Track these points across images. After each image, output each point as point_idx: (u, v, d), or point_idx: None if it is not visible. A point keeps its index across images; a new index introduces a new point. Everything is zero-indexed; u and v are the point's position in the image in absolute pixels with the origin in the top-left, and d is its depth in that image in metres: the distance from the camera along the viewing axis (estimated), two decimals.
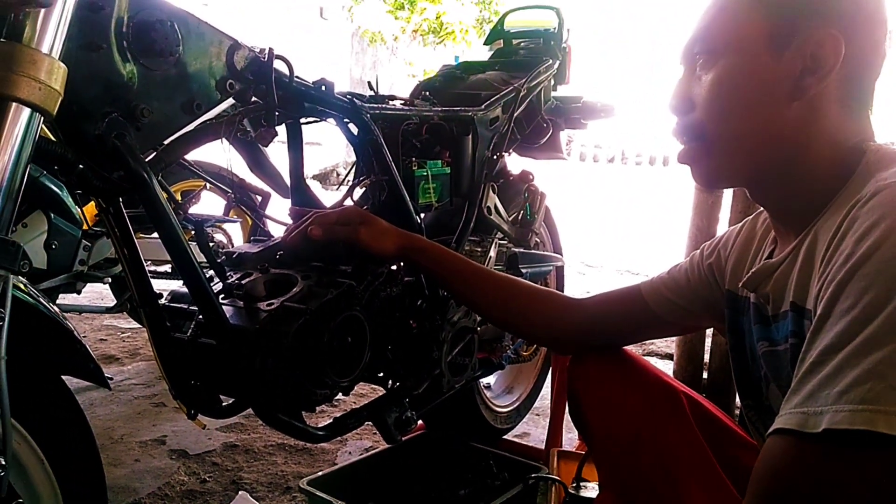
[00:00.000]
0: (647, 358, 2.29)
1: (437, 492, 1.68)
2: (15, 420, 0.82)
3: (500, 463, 1.69)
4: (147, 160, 1.01)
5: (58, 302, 2.31)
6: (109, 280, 2.31)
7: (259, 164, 1.48)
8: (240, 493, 1.63)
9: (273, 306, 1.16)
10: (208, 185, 2.81)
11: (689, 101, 0.83)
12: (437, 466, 1.74)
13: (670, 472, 1.02)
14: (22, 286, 0.84)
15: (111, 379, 2.38)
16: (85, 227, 2.25)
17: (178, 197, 2.64)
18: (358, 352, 1.23)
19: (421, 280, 1.38)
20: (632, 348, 1.18)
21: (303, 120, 1.32)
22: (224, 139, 1.13)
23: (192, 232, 1.29)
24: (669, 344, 3.01)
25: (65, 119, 0.90)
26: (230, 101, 1.10)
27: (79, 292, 2.29)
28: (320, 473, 1.54)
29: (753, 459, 0.80)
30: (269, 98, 1.12)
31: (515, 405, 2.01)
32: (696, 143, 0.84)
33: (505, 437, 1.99)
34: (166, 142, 1.06)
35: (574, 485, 1.46)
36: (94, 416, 2.11)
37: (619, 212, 8.13)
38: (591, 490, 1.43)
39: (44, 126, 0.83)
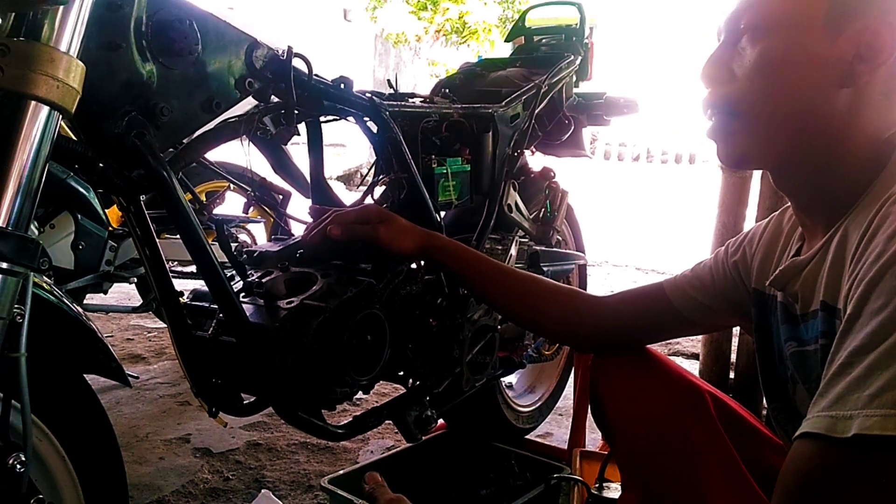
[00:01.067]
0: (672, 358, 2.26)
1: (458, 491, 1.67)
2: (36, 417, 0.83)
3: (522, 463, 1.68)
4: (167, 159, 1.02)
5: (85, 302, 2.34)
6: (135, 280, 2.34)
7: (282, 164, 1.48)
8: (262, 491, 1.63)
9: (293, 304, 1.17)
10: (232, 185, 2.84)
11: (728, 71, 0.79)
12: (459, 466, 1.74)
13: (694, 472, 1.00)
14: (44, 285, 0.85)
15: (137, 378, 2.41)
16: (111, 228, 2.28)
17: (203, 198, 2.66)
18: (378, 350, 1.22)
19: (441, 278, 1.37)
20: (657, 348, 1.16)
21: (322, 119, 1.32)
22: (244, 137, 1.14)
23: (215, 232, 1.31)
24: (695, 343, 2.97)
25: (84, 118, 0.91)
26: (249, 99, 1.11)
27: (105, 292, 2.32)
28: (341, 472, 1.54)
29: (780, 461, 0.79)
30: (287, 96, 1.12)
31: (538, 405, 2.00)
32: (729, 118, 0.80)
33: (527, 436, 1.97)
34: (186, 140, 1.07)
35: (597, 485, 1.44)
36: (120, 414, 2.14)
37: (644, 210, 8.04)
38: (613, 491, 1.41)
39: (64, 125, 0.84)
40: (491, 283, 1.19)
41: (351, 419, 1.26)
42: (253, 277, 1.28)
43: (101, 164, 0.91)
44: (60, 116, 0.77)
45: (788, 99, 0.75)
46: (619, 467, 1.14)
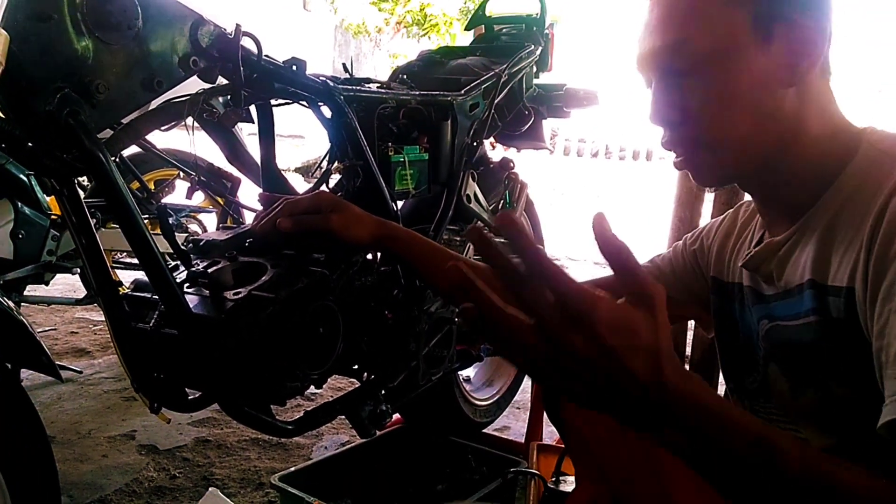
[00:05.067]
0: None
1: (414, 487, 1.64)
2: None
3: (479, 457, 1.65)
4: (104, 140, 0.96)
5: (26, 293, 2.24)
6: (78, 270, 2.24)
7: (234, 150, 1.43)
8: (210, 489, 1.57)
9: (240, 295, 1.11)
10: (181, 174, 2.75)
11: (679, 112, 0.77)
12: (415, 461, 1.71)
13: (653, 463, 0.99)
14: None
15: (80, 373, 2.31)
16: (53, 216, 2.18)
17: (152, 186, 2.57)
18: (330, 343, 1.18)
19: (397, 269, 1.33)
20: None
21: (273, 102, 1.27)
22: (188, 120, 1.08)
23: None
24: None
25: (11, 93, 0.85)
26: (194, 79, 1.05)
27: (47, 283, 2.22)
28: (293, 469, 1.49)
29: None
30: (235, 77, 1.06)
31: (495, 398, 1.97)
32: (694, 152, 0.80)
33: (485, 430, 1.95)
34: (125, 120, 1.01)
35: (553, 479, 1.43)
36: (62, 410, 2.05)
37: (602, 205, 8.10)
38: (570, 484, 1.40)
39: None
40: (434, 269, 1.15)
41: (302, 414, 1.22)
42: (198, 267, 1.22)
43: (29, 144, 0.85)
44: None
45: (746, 119, 0.75)
46: (572, 460, 1.13)
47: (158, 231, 2.51)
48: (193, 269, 1.20)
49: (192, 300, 1.12)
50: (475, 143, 1.59)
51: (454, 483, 1.59)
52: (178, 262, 1.20)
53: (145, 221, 1.07)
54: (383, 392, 1.31)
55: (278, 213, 1.14)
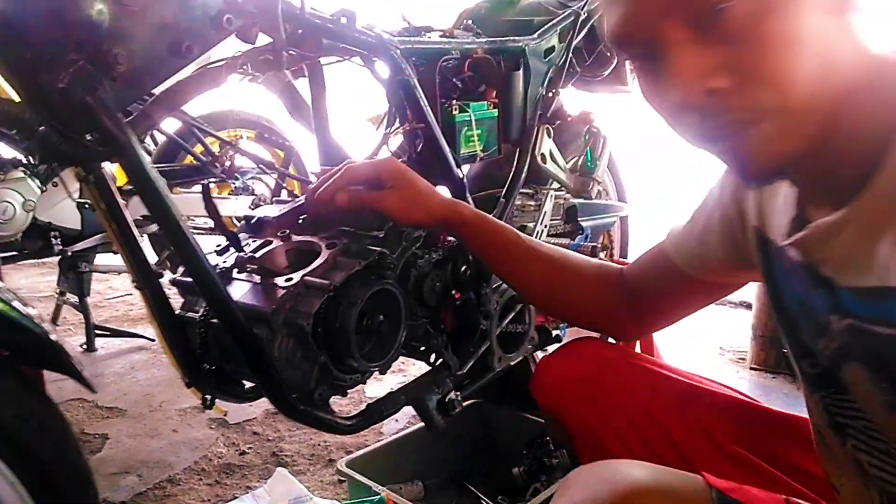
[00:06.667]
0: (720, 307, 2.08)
1: (489, 469, 1.54)
2: None
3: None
4: (130, 118, 0.85)
5: (95, 263, 2.23)
6: (145, 237, 2.21)
7: (297, 106, 1.31)
8: (278, 469, 1.52)
9: (292, 282, 1.01)
10: (244, 135, 2.67)
11: (728, 74, 0.55)
12: (489, 441, 1.60)
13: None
14: None
15: (153, 341, 2.30)
16: (119, 183, 2.14)
17: (216, 149, 2.50)
18: (392, 331, 1.07)
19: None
20: None
21: (323, 60, 1.14)
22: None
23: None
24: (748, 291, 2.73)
25: (20, 70, 0.74)
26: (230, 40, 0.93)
27: (115, 252, 2.20)
28: (360, 453, 1.41)
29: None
30: (276, 35, 0.93)
31: None
32: (756, 124, 0.56)
33: None
34: (155, 92, 0.90)
35: None
36: (135, 380, 2.04)
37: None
38: None
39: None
40: (517, 266, 1.01)
41: (364, 406, 1.12)
42: (250, 248, 1.12)
43: (41, 128, 0.75)
44: None
45: (813, 66, 0.54)
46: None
47: (226, 194, 2.46)
48: (244, 249, 1.10)
49: (242, 287, 1.03)
50: (550, 94, 1.42)
51: (532, 467, 1.48)
52: (230, 244, 1.10)
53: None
54: (451, 378, 1.20)
55: (336, 183, 0.99)
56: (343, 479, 1.52)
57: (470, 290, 1.20)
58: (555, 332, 1.39)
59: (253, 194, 2.49)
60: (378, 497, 1.25)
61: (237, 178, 2.42)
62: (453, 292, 1.18)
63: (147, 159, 0.83)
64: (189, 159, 2.22)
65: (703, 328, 2.41)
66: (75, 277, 2.18)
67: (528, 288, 1.03)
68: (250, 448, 1.69)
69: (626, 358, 1.06)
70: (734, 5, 0.52)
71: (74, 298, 2.24)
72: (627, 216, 1.80)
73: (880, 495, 0.66)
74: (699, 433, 0.94)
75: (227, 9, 0.89)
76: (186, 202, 2.43)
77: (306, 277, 1.01)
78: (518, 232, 1.00)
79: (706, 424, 0.94)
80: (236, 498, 1.48)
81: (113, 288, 2.78)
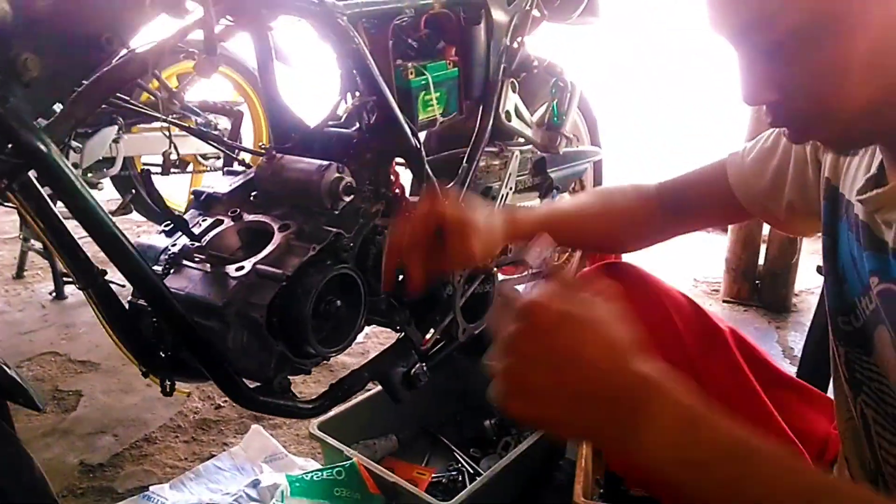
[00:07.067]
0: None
1: (461, 420, 1.57)
2: None
3: None
4: (50, 122, 0.79)
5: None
6: (102, 185, 2.15)
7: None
8: (252, 427, 1.54)
9: (243, 272, 0.98)
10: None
11: (777, 90, 0.60)
12: (461, 393, 1.62)
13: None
14: None
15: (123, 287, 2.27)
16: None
17: (174, 84, 2.39)
18: (351, 315, 1.05)
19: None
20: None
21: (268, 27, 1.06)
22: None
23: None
24: None
25: None
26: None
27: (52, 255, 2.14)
28: (332, 414, 1.40)
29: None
30: (206, 14, 0.86)
31: None
32: (808, 130, 0.64)
33: None
34: (77, 90, 0.83)
35: None
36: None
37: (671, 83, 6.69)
38: None
39: None
40: (570, 237, 1.10)
41: (327, 387, 1.12)
42: (201, 227, 1.08)
43: None
44: None
45: (868, 89, 0.57)
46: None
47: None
48: (193, 230, 1.06)
49: (191, 278, 1.00)
50: (516, 44, 1.34)
51: (503, 419, 1.50)
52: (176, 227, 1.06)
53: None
54: (417, 352, 1.19)
55: (413, 273, 0.90)
56: None
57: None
58: None
59: (217, 130, 2.41)
60: (350, 462, 1.27)
61: (198, 115, 2.33)
62: None
63: (68, 167, 0.77)
64: (145, 96, 2.12)
65: (677, 259, 2.41)
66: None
67: (601, 244, 1.16)
68: (225, 401, 1.70)
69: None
70: (791, 36, 0.56)
71: (39, 245, 2.19)
72: (601, 159, 1.75)
73: (873, 454, 0.73)
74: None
75: None
76: (145, 141, 2.35)
77: (258, 266, 0.98)
78: (566, 207, 1.10)
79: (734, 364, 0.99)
80: (213, 456, 1.51)
81: (75, 232, 2.71)
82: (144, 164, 2.43)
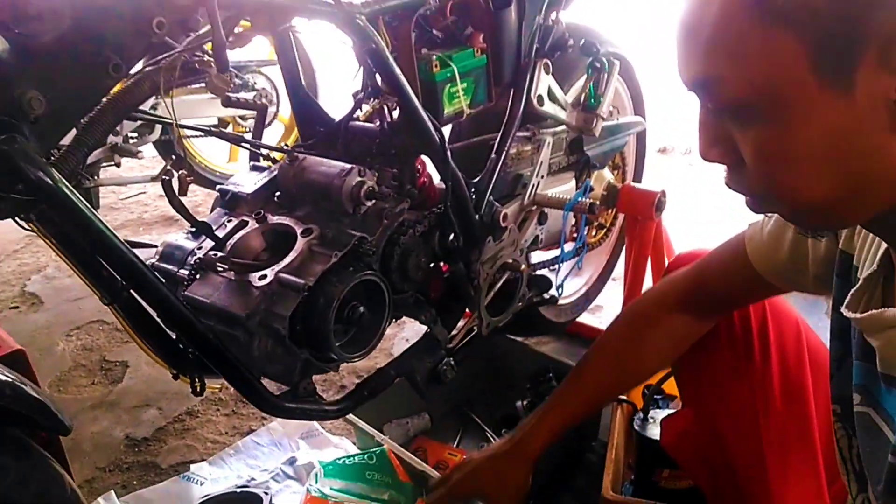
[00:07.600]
0: None
1: (493, 399, 1.58)
2: None
3: (561, 372, 1.54)
4: (60, 155, 0.79)
5: (101, 176, 2.21)
6: (142, 153, 2.17)
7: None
8: None
9: (266, 281, 0.98)
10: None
11: (732, 156, 0.56)
12: (494, 371, 1.62)
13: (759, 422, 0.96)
14: None
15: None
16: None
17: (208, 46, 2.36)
18: (374, 320, 1.04)
19: (448, 211, 1.12)
20: None
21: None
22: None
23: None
24: None
25: None
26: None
27: (118, 165, 2.17)
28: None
29: None
30: (214, 31, 0.83)
31: (584, 290, 1.80)
32: (762, 202, 0.60)
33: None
34: (83, 121, 0.82)
35: (643, 406, 1.29)
36: None
37: None
38: (657, 422, 1.25)
39: None
40: (598, 395, 1.08)
41: (353, 386, 1.13)
42: (225, 229, 1.08)
43: None
44: None
45: (832, 180, 0.52)
46: (678, 387, 1.14)
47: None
48: (218, 228, 1.07)
49: (215, 286, 1.00)
50: (551, 21, 1.27)
51: (534, 401, 1.50)
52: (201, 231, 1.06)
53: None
54: (443, 348, 1.19)
55: None
56: None
57: (459, 260, 1.16)
58: (549, 294, 1.34)
59: (254, 90, 2.39)
60: (380, 449, 1.29)
61: (236, 74, 2.31)
62: (441, 266, 1.14)
63: (79, 198, 0.77)
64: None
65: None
66: (82, 193, 2.17)
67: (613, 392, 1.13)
68: None
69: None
70: (736, 107, 0.53)
71: None
72: (644, 129, 1.67)
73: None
74: None
75: (158, 11, 0.78)
76: (184, 105, 2.34)
77: (280, 274, 0.98)
78: (570, 380, 1.06)
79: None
80: (252, 430, 1.56)
81: (128, 187, 2.77)
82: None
